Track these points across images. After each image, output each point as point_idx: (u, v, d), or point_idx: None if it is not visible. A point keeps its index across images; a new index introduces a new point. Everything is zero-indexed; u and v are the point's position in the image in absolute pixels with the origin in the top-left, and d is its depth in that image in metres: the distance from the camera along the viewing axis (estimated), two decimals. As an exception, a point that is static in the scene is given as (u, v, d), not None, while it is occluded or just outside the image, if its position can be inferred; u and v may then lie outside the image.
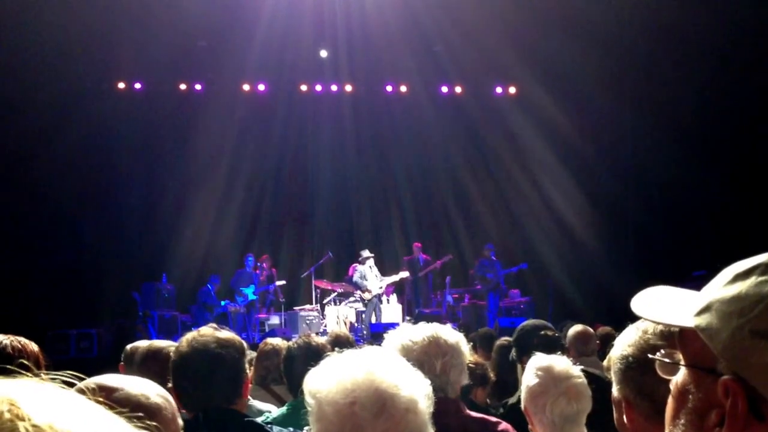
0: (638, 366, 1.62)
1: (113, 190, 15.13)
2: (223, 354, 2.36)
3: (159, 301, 13.32)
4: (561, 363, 2.47)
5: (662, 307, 1.14)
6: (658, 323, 1.21)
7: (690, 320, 1.03)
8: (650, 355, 1.20)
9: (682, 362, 1.08)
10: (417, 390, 1.38)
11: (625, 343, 1.70)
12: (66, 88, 13.71)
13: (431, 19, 14.12)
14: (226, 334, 2.44)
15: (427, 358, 2.26)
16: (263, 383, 4.16)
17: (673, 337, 1.19)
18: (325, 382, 1.37)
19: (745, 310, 0.96)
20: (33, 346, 2.58)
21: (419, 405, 1.37)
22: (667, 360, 1.12)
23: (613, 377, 1.71)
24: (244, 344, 2.53)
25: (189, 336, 2.43)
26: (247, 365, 2.50)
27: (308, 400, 1.40)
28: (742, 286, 0.99)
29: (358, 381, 1.34)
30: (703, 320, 1.01)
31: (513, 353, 3.87)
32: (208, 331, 2.44)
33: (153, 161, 15.60)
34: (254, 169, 15.89)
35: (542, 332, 3.72)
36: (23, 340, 2.57)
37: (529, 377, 2.46)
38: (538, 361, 2.50)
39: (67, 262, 13.85)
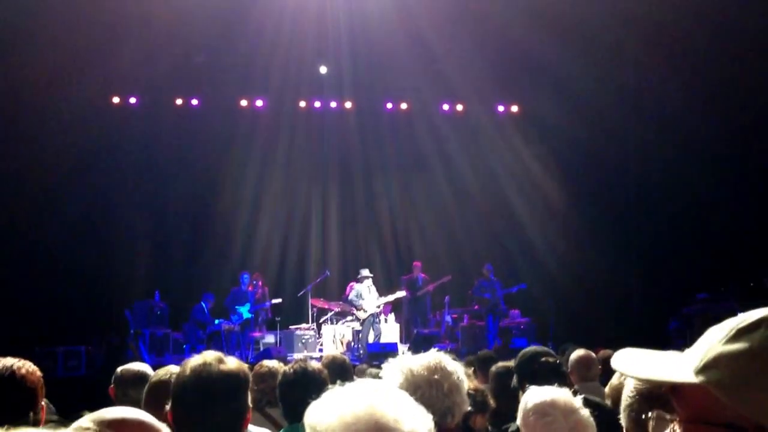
0: (638, 395, 1.74)
1: (107, 206, 14.99)
2: (227, 388, 2.25)
3: (151, 319, 13.13)
4: (563, 396, 2.43)
5: (651, 365, 1.16)
6: (654, 381, 1.16)
7: (691, 376, 1.06)
8: (644, 416, 1.35)
9: (680, 418, 1.10)
10: (418, 424, 1.35)
11: (628, 387, 1.82)
12: (61, 102, 13.64)
13: (433, 36, 14.05)
14: (231, 364, 2.31)
15: (435, 379, 2.23)
16: (258, 406, 4.06)
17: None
18: (326, 415, 1.34)
19: (759, 365, 0.99)
20: (34, 375, 2.53)
21: None
22: (668, 416, 1.15)
23: (621, 407, 1.79)
24: (249, 375, 2.42)
25: (193, 363, 2.29)
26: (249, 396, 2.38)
27: None
28: (751, 341, 1.02)
29: (358, 415, 1.31)
30: (712, 376, 1.03)
31: (514, 380, 3.74)
32: (212, 359, 2.30)
33: (148, 176, 15.46)
34: (251, 185, 15.77)
35: (543, 359, 3.66)
36: (30, 367, 2.53)
37: (530, 414, 2.42)
38: (538, 395, 2.45)
39: (58, 278, 13.67)
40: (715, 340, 1.07)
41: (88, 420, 1.52)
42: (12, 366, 2.47)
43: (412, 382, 2.15)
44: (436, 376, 2.21)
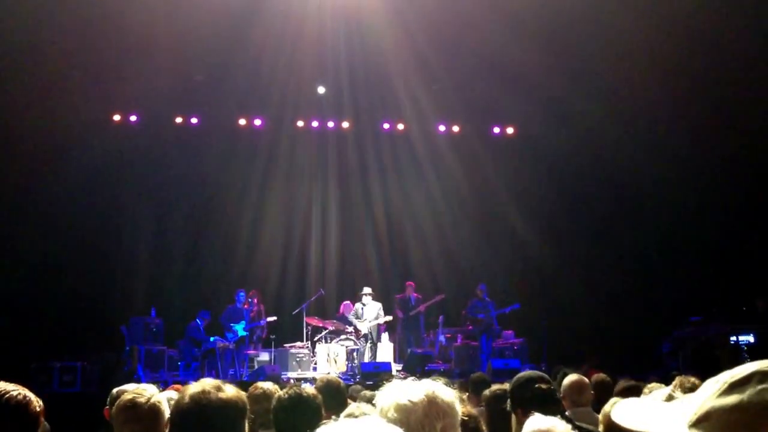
0: None
1: (105, 222, 15.01)
2: (225, 416, 2.26)
3: (147, 335, 13.15)
4: (560, 427, 2.43)
5: (648, 416, 1.17)
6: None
7: (683, 429, 1.07)
8: None
9: None
10: None
11: None
12: (62, 119, 13.66)
13: (431, 57, 14.16)
14: (230, 392, 2.32)
15: (428, 421, 2.18)
16: (252, 427, 4.04)
17: None
18: None
19: (749, 424, 0.99)
20: (36, 405, 2.45)
21: None
22: None
23: None
24: (247, 404, 2.42)
25: (192, 391, 2.30)
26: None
27: None
28: (742, 395, 1.01)
29: None
30: (703, 430, 1.04)
31: (508, 404, 3.80)
32: (211, 387, 2.31)
33: (146, 193, 15.49)
34: (249, 203, 15.84)
35: (536, 385, 3.64)
36: (29, 396, 2.44)
37: None
38: (537, 424, 2.46)
39: (55, 294, 13.67)
40: (709, 393, 1.07)
41: None
42: (17, 395, 2.40)
43: (405, 426, 2.11)
44: (430, 418, 2.18)
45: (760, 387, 1.01)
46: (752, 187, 13.72)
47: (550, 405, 3.46)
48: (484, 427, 3.64)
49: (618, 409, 1.22)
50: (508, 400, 3.82)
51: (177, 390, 4.40)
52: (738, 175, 13.85)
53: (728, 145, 13.63)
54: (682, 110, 13.76)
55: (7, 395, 2.37)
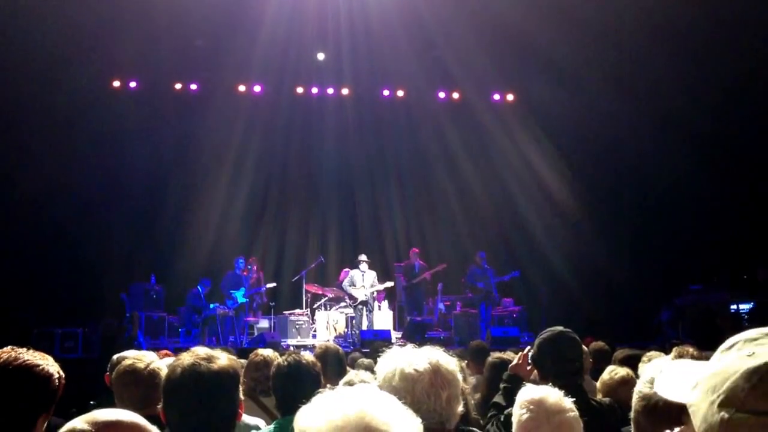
0: (642, 407, 1.75)
1: (105, 189, 14.98)
2: (218, 386, 2.23)
3: (147, 302, 13.20)
4: (553, 396, 2.42)
5: (678, 380, 1.18)
6: (669, 398, 1.20)
7: (687, 396, 1.09)
8: None
9: None
10: (409, 428, 1.33)
11: (641, 380, 1.84)
12: (62, 85, 13.59)
13: (431, 24, 14.02)
14: (221, 362, 2.28)
15: (434, 390, 2.18)
16: (252, 394, 4.10)
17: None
18: (316, 420, 1.31)
19: (718, 386, 1.01)
20: (55, 380, 2.36)
21: None
22: None
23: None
24: (239, 370, 2.39)
25: (183, 362, 2.26)
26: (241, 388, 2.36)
27: None
28: (722, 362, 1.04)
29: (349, 419, 1.28)
30: (692, 396, 1.06)
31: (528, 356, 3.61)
32: (203, 358, 2.27)
33: (146, 160, 15.42)
34: (248, 170, 15.80)
35: (567, 363, 3.37)
36: (50, 370, 2.35)
37: (520, 411, 2.42)
38: (530, 393, 2.45)
39: (56, 261, 13.71)
40: (713, 357, 1.09)
41: (81, 421, 1.50)
42: (40, 369, 2.30)
43: (410, 394, 2.12)
44: (436, 387, 2.18)
45: (737, 353, 1.02)
46: (754, 157, 13.64)
47: (573, 376, 3.33)
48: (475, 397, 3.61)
49: (665, 372, 1.23)
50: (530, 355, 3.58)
51: (168, 356, 4.40)
52: (745, 143, 13.75)
53: (731, 111, 13.52)
54: (682, 76, 13.63)
55: (33, 369, 2.31)
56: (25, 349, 2.38)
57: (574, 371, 3.40)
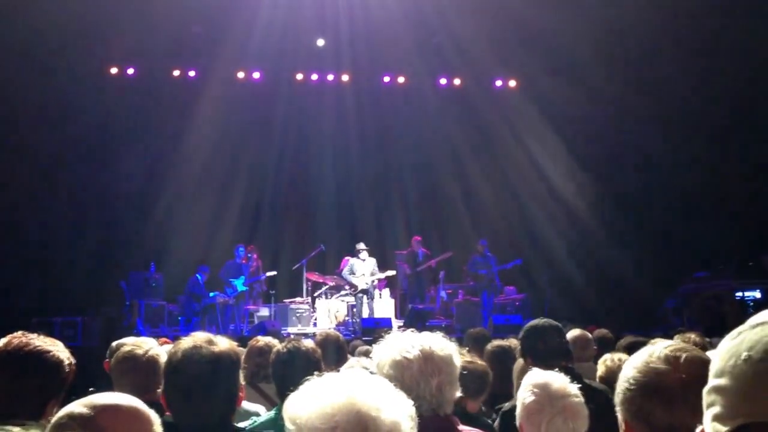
0: (638, 388, 1.63)
1: (104, 177, 14.90)
2: (218, 370, 2.24)
3: (146, 291, 13.14)
4: (558, 380, 2.45)
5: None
6: None
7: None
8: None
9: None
10: (399, 412, 1.33)
11: (631, 364, 1.70)
12: (58, 72, 13.51)
13: (432, 10, 13.90)
14: (222, 345, 2.30)
15: (423, 378, 2.20)
16: (252, 381, 4.13)
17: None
18: (305, 407, 1.31)
19: (720, 369, 1.02)
20: (65, 366, 2.42)
21: (402, 427, 1.32)
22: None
23: (616, 398, 1.72)
24: (240, 354, 2.40)
25: (183, 347, 2.28)
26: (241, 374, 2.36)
27: (288, 426, 1.32)
28: (724, 348, 1.05)
29: (338, 405, 1.28)
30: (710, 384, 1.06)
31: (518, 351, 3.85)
32: (202, 342, 2.28)
33: (144, 147, 15.33)
34: (247, 158, 15.74)
35: (549, 338, 3.67)
36: (60, 356, 2.41)
37: (525, 394, 2.44)
38: (535, 377, 2.48)
39: (55, 249, 13.65)
40: None
41: (79, 405, 1.49)
42: (51, 355, 2.37)
43: (400, 382, 2.11)
44: (425, 375, 2.20)
45: (735, 340, 1.03)
46: (764, 141, 13.53)
47: (559, 358, 3.48)
48: (489, 381, 3.64)
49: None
50: (519, 348, 3.81)
51: (167, 343, 4.40)
52: (750, 129, 13.65)
53: (738, 96, 13.41)
54: (686, 60, 13.54)
55: (44, 354, 2.37)
56: (35, 335, 2.42)
57: (561, 354, 3.57)
